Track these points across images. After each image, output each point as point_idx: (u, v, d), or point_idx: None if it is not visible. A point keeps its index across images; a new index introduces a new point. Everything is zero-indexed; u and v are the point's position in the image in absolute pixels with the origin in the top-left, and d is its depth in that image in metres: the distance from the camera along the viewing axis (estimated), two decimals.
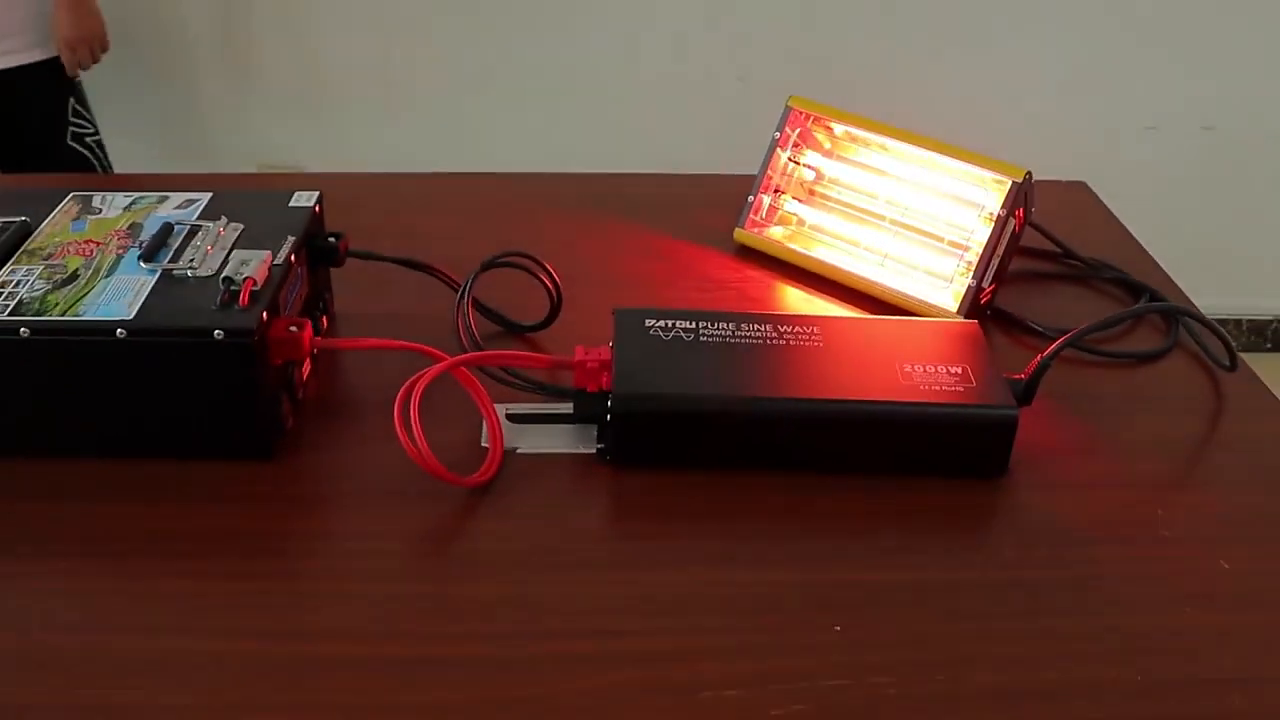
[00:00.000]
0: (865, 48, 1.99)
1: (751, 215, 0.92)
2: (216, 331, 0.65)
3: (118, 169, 1.85)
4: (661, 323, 0.72)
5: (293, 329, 0.69)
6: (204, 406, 0.68)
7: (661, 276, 0.89)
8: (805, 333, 0.72)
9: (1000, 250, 0.83)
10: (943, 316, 0.83)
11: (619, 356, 0.69)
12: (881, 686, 0.56)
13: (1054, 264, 0.94)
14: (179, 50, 2.03)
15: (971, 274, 0.83)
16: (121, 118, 2.02)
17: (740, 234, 0.92)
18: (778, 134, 0.91)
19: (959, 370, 0.70)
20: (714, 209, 0.96)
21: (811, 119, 0.91)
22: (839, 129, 0.90)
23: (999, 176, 0.83)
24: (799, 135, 0.91)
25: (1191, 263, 1.12)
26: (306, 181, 0.84)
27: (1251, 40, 2.00)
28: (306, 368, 0.75)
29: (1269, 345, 2.33)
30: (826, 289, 0.89)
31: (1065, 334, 0.75)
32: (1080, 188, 1.06)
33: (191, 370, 0.66)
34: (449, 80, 2.05)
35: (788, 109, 0.91)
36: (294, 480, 0.69)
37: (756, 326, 0.72)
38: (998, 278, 0.84)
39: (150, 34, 2.01)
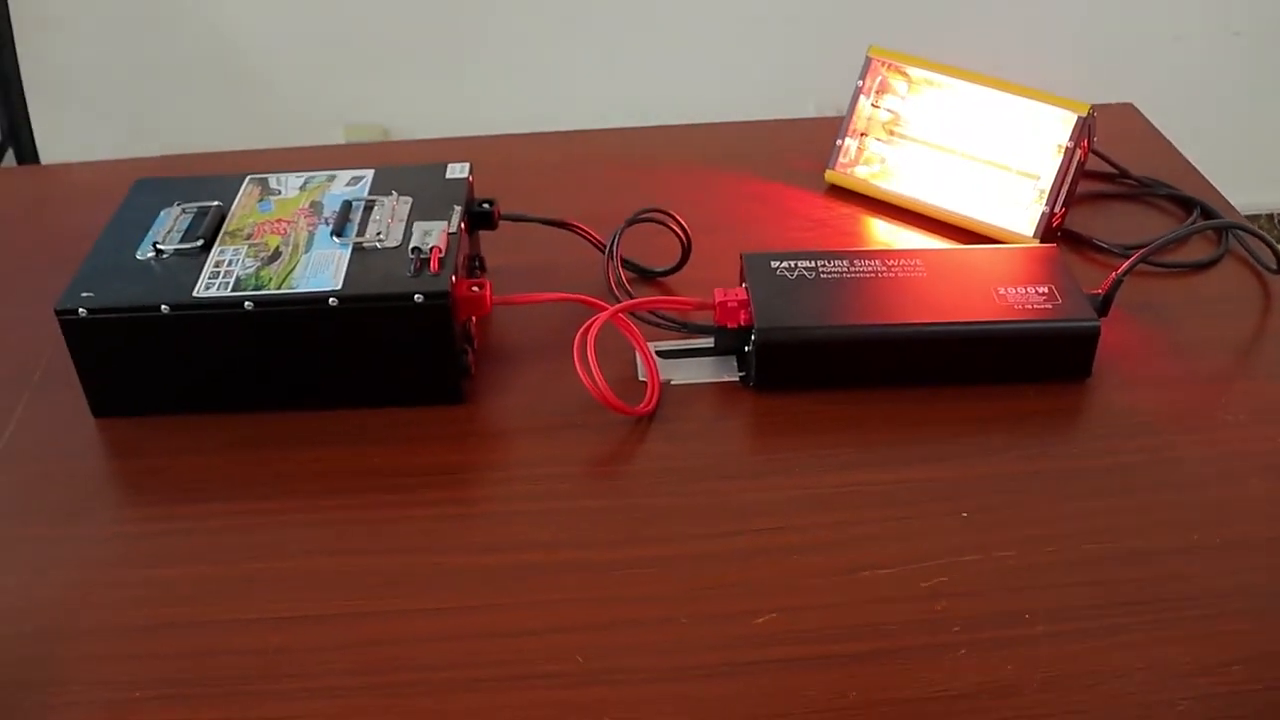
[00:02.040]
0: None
1: (840, 158, 1.02)
2: (417, 295, 0.76)
3: (210, 144, 1.95)
4: (785, 263, 0.83)
5: (475, 289, 0.80)
6: (405, 360, 0.79)
7: (764, 218, 1.00)
8: (910, 264, 0.83)
9: (1069, 179, 0.93)
10: (1019, 240, 0.94)
11: (755, 295, 0.80)
12: (1006, 559, 0.68)
13: (1112, 184, 1.05)
14: (254, 19, 2.10)
15: (1044, 201, 0.93)
16: (201, 88, 2.12)
17: (831, 175, 1.03)
18: (860, 82, 1.01)
19: (1045, 290, 0.81)
20: (800, 153, 1.07)
21: (889, 66, 1.01)
22: (915, 73, 1.01)
23: (1065, 112, 0.93)
24: (879, 83, 1.01)
25: (1228, 165, 1.22)
26: (443, 149, 0.94)
27: None
28: (476, 320, 0.87)
29: None
30: (912, 220, 0.99)
31: (1132, 250, 0.86)
32: (1128, 109, 1.16)
33: (395, 330, 0.78)
34: (519, 34, 2.12)
35: (868, 59, 1.01)
36: (484, 418, 0.80)
37: (867, 262, 0.84)
38: (1067, 203, 0.95)
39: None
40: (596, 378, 0.76)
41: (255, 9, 2.06)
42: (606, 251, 0.88)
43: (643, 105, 2.06)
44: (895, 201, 1.00)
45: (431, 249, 0.79)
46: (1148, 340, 0.86)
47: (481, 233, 0.94)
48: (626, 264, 0.92)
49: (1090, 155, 0.97)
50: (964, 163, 0.98)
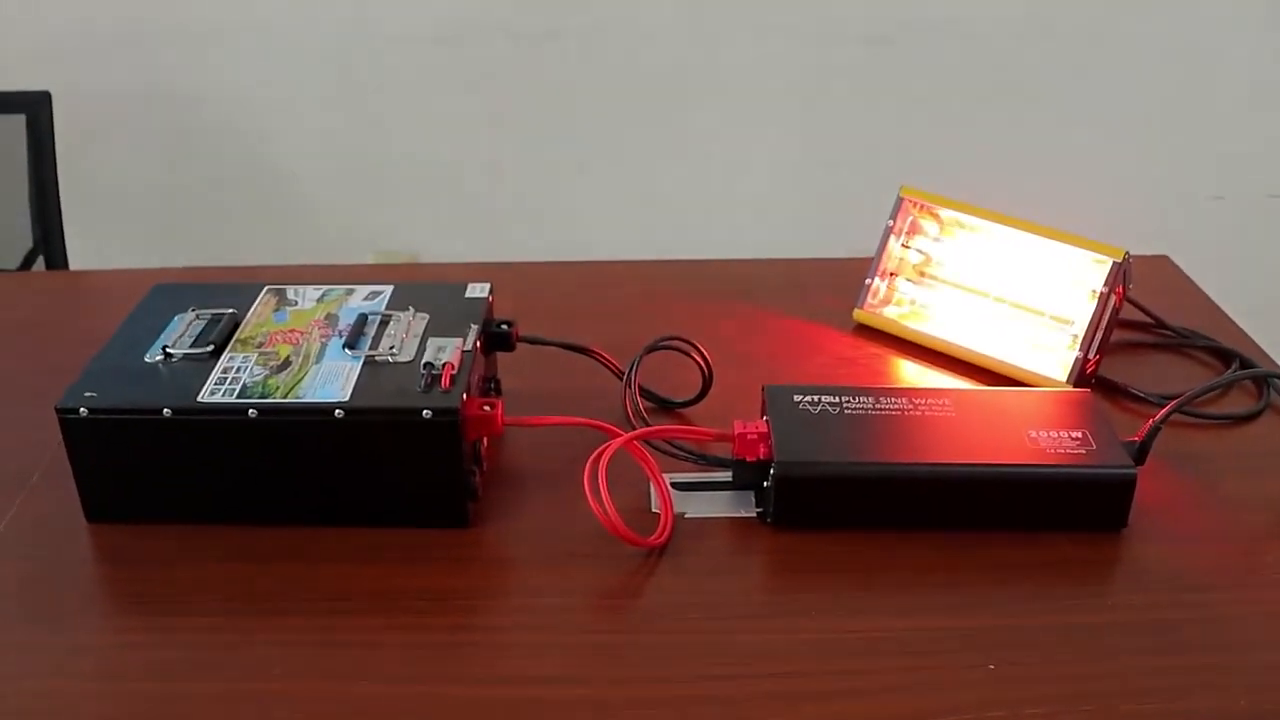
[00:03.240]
0: (945, 132, 2.09)
1: (869, 298, 1.01)
2: (425, 411, 0.74)
3: (240, 260, 1.97)
4: (809, 397, 0.81)
5: (486, 408, 0.78)
6: (411, 479, 0.77)
7: (789, 354, 0.98)
8: (938, 404, 0.81)
9: (1104, 324, 0.91)
10: (1053, 386, 0.91)
11: (776, 428, 0.78)
12: (1035, 718, 0.64)
13: (1148, 334, 1.02)
14: (291, 142, 2.14)
15: (1079, 346, 0.91)
16: (242, 209, 2.15)
17: (859, 314, 1.01)
18: (891, 222, 1.00)
19: (1079, 435, 0.78)
20: (829, 291, 1.05)
21: (921, 207, 1.00)
22: (946, 214, 0.99)
23: (1099, 256, 0.91)
24: (910, 224, 1.00)
25: (1262, 328, 1.19)
26: (468, 273, 0.93)
27: None
28: (486, 441, 0.84)
29: None
30: (941, 362, 0.97)
31: (1168, 399, 0.83)
32: (1163, 261, 1.14)
33: (402, 446, 0.75)
34: (545, 168, 2.15)
35: (899, 199, 1.00)
36: (489, 543, 0.77)
37: (894, 399, 0.81)
38: (1101, 349, 0.92)
39: (261, 128, 2.13)
40: (607, 506, 0.73)
41: (291, 131, 2.10)
42: (625, 378, 0.86)
43: (672, 241, 2.08)
44: (925, 343, 0.98)
45: (444, 365, 0.77)
46: (1186, 492, 0.82)
47: (499, 355, 0.92)
48: (646, 393, 0.90)
49: (1126, 304, 0.95)
50: (995, 306, 0.96)
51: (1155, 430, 0.79)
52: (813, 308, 1.05)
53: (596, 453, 0.76)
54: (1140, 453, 0.79)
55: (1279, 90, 2.06)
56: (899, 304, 1.01)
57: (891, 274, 1.01)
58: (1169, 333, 1.02)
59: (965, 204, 0.98)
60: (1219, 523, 0.79)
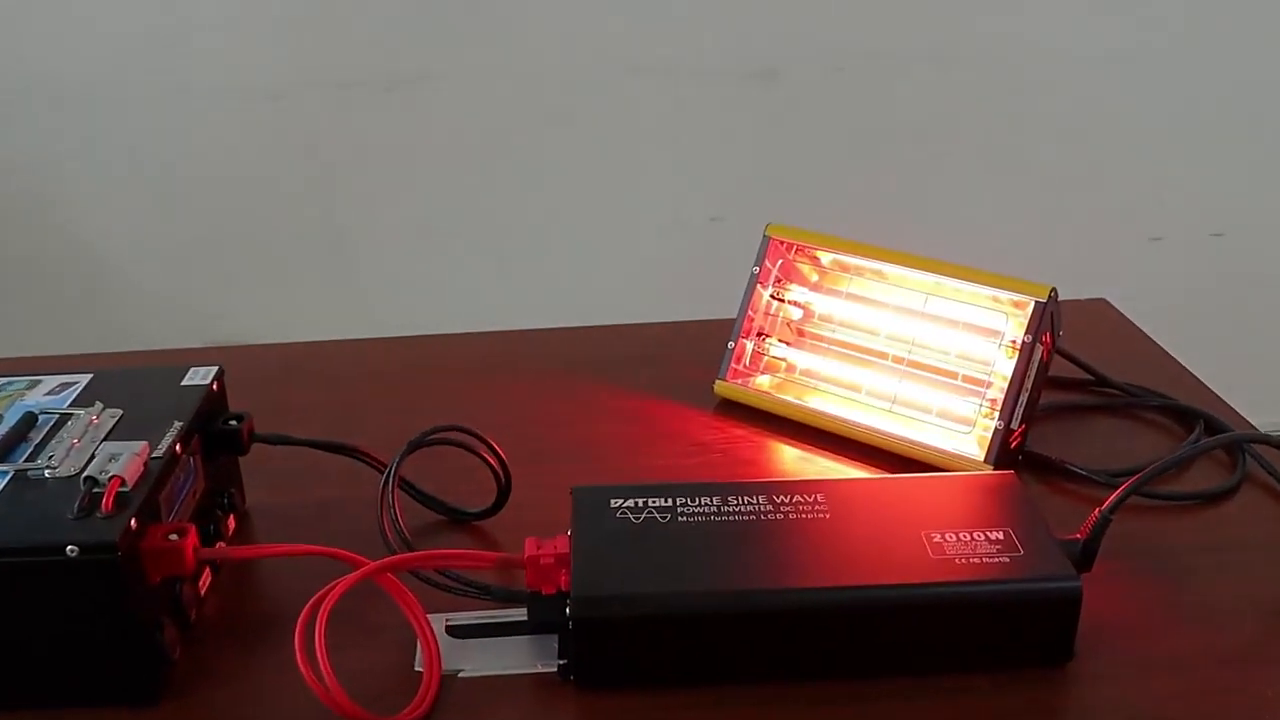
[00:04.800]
0: (841, 172, 1.88)
1: (733, 364, 0.79)
2: (70, 548, 0.52)
3: (65, 349, 1.72)
4: (630, 502, 0.59)
5: (173, 537, 0.56)
6: (74, 640, 0.54)
7: (633, 443, 0.77)
8: (807, 502, 0.59)
9: (1029, 384, 0.70)
10: (968, 468, 0.70)
11: (578, 548, 0.56)
12: None
13: (1086, 393, 0.82)
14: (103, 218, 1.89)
15: (997, 414, 0.70)
16: (50, 300, 1.90)
17: (722, 386, 0.80)
18: (756, 269, 0.79)
19: (1000, 535, 0.57)
20: (693, 360, 0.84)
21: (794, 249, 0.79)
22: (826, 258, 0.79)
23: (1018, 297, 0.71)
24: (780, 268, 0.79)
25: (1216, 378, 0.99)
26: (208, 355, 0.71)
27: (1257, 141, 1.90)
28: (205, 581, 0.62)
29: None
30: (826, 444, 0.76)
31: (1118, 478, 0.62)
32: (1100, 304, 0.94)
33: (48, 596, 0.53)
34: (393, 237, 1.91)
35: (766, 239, 0.79)
36: None
37: (747, 499, 0.59)
38: (1027, 416, 0.71)
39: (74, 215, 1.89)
40: (324, 672, 0.51)
41: (101, 204, 1.84)
42: (381, 485, 0.63)
43: (523, 309, 1.81)
44: (804, 419, 0.77)
45: (110, 480, 0.55)
46: (1149, 603, 0.61)
47: (253, 459, 0.69)
48: (430, 503, 0.68)
49: (1056, 357, 0.74)
50: (893, 369, 0.76)
51: (1104, 523, 0.58)
52: (667, 381, 0.83)
53: (317, 596, 0.53)
54: (1085, 556, 0.58)
55: (1217, 125, 1.89)
56: (771, 370, 0.80)
57: (761, 334, 0.80)
58: (1113, 391, 0.81)
59: (850, 241, 0.78)
60: (1197, 644, 0.58)
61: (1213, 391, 0.81)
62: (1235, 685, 0.56)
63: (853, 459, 0.74)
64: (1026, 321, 0.70)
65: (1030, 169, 1.88)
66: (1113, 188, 1.90)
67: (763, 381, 0.80)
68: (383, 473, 0.65)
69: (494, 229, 1.90)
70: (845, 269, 0.78)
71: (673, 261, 1.88)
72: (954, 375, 0.74)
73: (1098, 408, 0.81)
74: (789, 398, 0.78)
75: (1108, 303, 0.94)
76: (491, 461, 0.66)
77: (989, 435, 0.70)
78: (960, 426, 0.72)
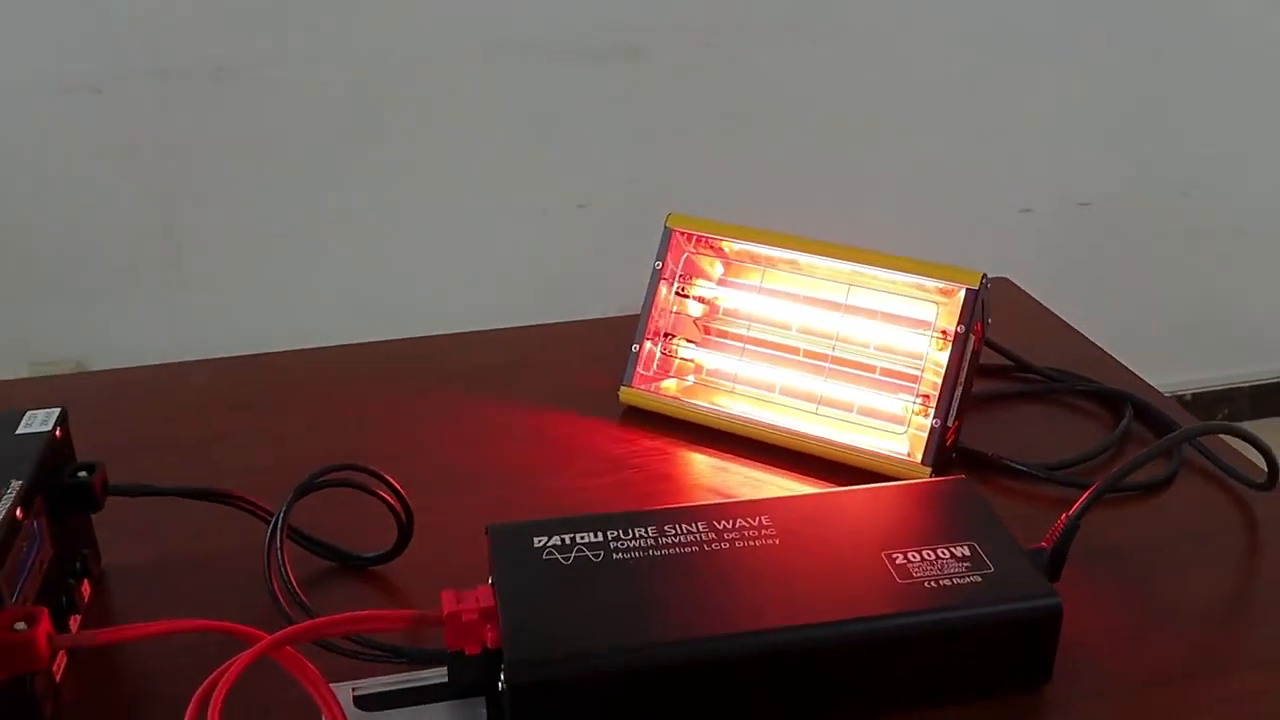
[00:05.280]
0: (703, 152, 1.81)
1: (639, 369, 0.73)
2: None
3: None
4: (555, 540, 0.52)
5: (20, 626, 0.47)
6: None
7: (538, 464, 0.69)
8: (753, 526, 0.53)
9: (962, 378, 0.66)
10: (903, 470, 0.65)
11: (505, 601, 0.49)
12: None
13: (1007, 381, 0.78)
14: None
15: (932, 412, 0.65)
16: None
17: (627, 393, 0.73)
18: (659, 264, 0.73)
19: (965, 550, 0.52)
20: (586, 364, 0.77)
21: (698, 240, 0.73)
22: (733, 247, 0.73)
23: (946, 284, 0.66)
24: (685, 264, 0.73)
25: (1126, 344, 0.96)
26: (31, 389, 0.62)
27: (1118, 111, 1.91)
28: (60, 664, 0.53)
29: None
30: (746, 451, 0.70)
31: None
32: (1004, 284, 0.90)
33: None
34: (230, 242, 1.77)
35: (667, 231, 0.73)
36: None
37: (686, 527, 0.53)
38: (961, 412, 0.67)
39: None
40: None
41: None
42: (267, 539, 0.55)
43: (355, 317, 1.70)
44: (719, 425, 0.71)
45: None
46: (1114, 608, 0.57)
47: (107, 513, 0.60)
48: (324, 550, 0.60)
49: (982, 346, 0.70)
50: (813, 368, 0.70)
51: (1072, 529, 0.54)
52: (564, 390, 0.76)
53: (208, 683, 0.45)
54: (1054, 566, 0.54)
55: (1086, 98, 1.89)
56: (680, 374, 0.74)
57: (667, 334, 0.73)
58: (1034, 377, 0.78)
59: (759, 230, 0.72)
60: (1177, 648, 0.54)
61: (1132, 371, 0.78)
62: (1233, 690, 0.52)
63: (777, 467, 0.68)
64: (958, 311, 0.65)
65: (898, 144, 1.85)
66: (982, 161, 1.88)
67: (670, 386, 0.73)
68: (267, 522, 0.57)
69: (341, 229, 1.77)
70: (754, 260, 0.73)
71: (540, 254, 1.79)
72: (876, 371, 0.69)
73: (1021, 395, 0.77)
74: (700, 402, 0.72)
75: (1011, 282, 0.90)
76: (389, 499, 0.58)
77: (924, 435, 0.65)
78: (891, 426, 0.67)
